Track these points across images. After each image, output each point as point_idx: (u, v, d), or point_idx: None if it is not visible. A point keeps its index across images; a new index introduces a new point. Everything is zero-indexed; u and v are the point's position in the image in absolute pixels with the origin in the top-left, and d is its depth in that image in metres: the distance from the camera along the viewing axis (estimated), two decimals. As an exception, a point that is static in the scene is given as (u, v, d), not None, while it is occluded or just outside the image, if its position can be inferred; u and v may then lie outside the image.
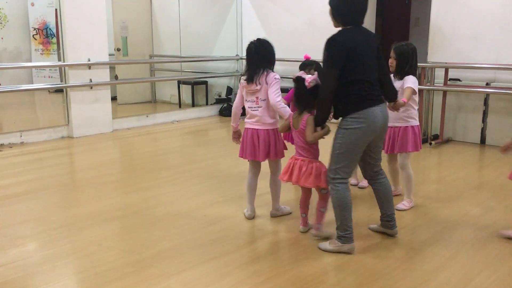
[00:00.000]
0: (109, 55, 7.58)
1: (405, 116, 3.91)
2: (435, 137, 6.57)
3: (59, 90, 7.80)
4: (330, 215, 3.26)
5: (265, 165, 3.77)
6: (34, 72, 9.85)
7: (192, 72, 9.74)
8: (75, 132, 6.83)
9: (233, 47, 8.98)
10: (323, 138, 3.26)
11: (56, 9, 7.09)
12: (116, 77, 8.77)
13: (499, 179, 4.67)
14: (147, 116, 7.95)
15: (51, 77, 9.59)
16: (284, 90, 3.54)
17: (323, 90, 3.09)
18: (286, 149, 3.70)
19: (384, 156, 4.46)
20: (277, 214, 3.79)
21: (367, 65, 3.09)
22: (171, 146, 6.68)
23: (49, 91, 9.17)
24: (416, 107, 3.97)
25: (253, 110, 3.58)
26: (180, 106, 9.37)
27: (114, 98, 8.41)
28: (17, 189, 4.61)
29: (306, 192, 3.47)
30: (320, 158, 3.35)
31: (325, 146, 3.35)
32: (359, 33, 3.11)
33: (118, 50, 9.30)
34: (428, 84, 6.56)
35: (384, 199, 3.38)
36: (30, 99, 9.59)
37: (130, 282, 2.84)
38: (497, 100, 6.30)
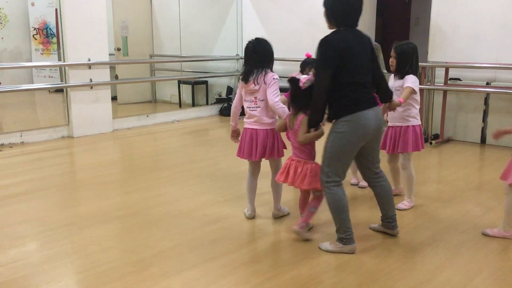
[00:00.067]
0: (109, 55, 7.58)
1: (406, 116, 3.89)
2: (436, 136, 6.57)
3: (59, 90, 7.79)
4: (328, 215, 3.24)
5: (265, 165, 3.77)
6: (34, 72, 9.84)
7: (192, 72, 9.74)
8: (75, 132, 6.84)
9: (233, 46, 8.98)
10: (316, 140, 3.25)
11: (56, 9, 7.09)
12: (116, 77, 8.77)
13: (499, 178, 4.66)
14: (147, 116, 7.95)
15: (51, 77, 9.58)
16: (283, 90, 3.53)
17: (317, 91, 3.06)
18: (286, 148, 3.70)
19: (385, 155, 4.47)
20: (278, 215, 3.78)
21: (360, 67, 3.07)
22: (171, 146, 6.68)
23: (49, 91, 9.16)
24: (418, 106, 3.94)
25: (252, 110, 3.58)
26: (180, 106, 9.38)
27: (114, 98, 8.41)
28: (17, 189, 4.61)
29: (305, 193, 3.46)
30: (317, 159, 3.34)
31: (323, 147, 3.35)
32: (352, 34, 3.10)
33: (118, 50, 9.30)
34: (429, 83, 6.56)
35: (385, 201, 3.38)
36: (30, 99, 9.58)
37: (130, 282, 2.84)
38: (498, 100, 6.29)
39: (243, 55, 3.67)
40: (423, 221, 3.78)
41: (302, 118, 3.21)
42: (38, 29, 9.76)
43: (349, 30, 3.10)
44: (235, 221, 3.77)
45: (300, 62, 3.96)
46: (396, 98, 3.65)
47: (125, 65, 9.30)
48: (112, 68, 8.20)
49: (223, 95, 9.12)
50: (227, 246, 3.32)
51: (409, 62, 3.81)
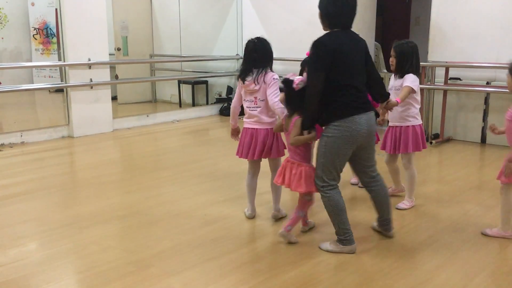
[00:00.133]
0: (110, 54, 7.58)
1: (405, 116, 3.87)
2: (436, 136, 6.57)
3: (59, 90, 7.80)
4: (326, 216, 3.23)
5: (265, 164, 3.77)
6: (34, 72, 9.84)
7: (193, 71, 9.74)
8: (76, 132, 6.84)
9: (233, 46, 8.98)
10: (309, 142, 3.23)
11: (56, 9, 7.10)
12: (116, 77, 8.77)
13: (496, 179, 4.66)
14: (147, 116, 7.95)
15: (52, 77, 9.58)
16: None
17: (309, 93, 3.04)
18: (286, 147, 3.70)
19: (379, 155, 4.46)
20: (278, 216, 3.77)
21: (353, 69, 3.05)
22: (172, 145, 6.68)
23: (49, 91, 9.16)
24: (418, 106, 3.91)
25: (252, 110, 3.58)
26: (180, 106, 9.38)
27: (114, 98, 8.41)
28: (18, 189, 4.61)
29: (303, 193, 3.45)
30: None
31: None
32: (346, 36, 3.08)
33: (119, 49, 9.30)
34: (429, 83, 6.56)
35: (381, 205, 3.34)
36: (30, 99, 9.59)
37: (130, 282, 2.85)
38: (498, 99, 6.29)
39: (243, 53, 3.66)
40: (423, 221, 3.78)
41: (295, 119, 3.17)
42: (38, 29, 9.76)
43: (343, 32, 3.08)
44: (235, 221, 3.77)
45: (300, 62, 3.96)
46: (394, 97, 3.64)
47: (125, 65, 9.30)
48: (112, 68, 8.20)
49: (223, 95, 9.12)
50: (227, 246, 3.32)
51: (409, 61, 3.78)
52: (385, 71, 7.71)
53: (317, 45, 3.02)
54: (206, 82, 9.30)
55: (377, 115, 4.34)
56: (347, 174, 4.06)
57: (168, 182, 4.82)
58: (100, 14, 6.95)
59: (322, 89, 2.99)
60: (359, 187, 4.50)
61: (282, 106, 3.45)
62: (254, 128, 3.58)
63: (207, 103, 9.22)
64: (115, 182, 4.91)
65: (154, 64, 10.06)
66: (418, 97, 3.91)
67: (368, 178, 3.28)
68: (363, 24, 7.31)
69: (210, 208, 4.05)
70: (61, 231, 3.60)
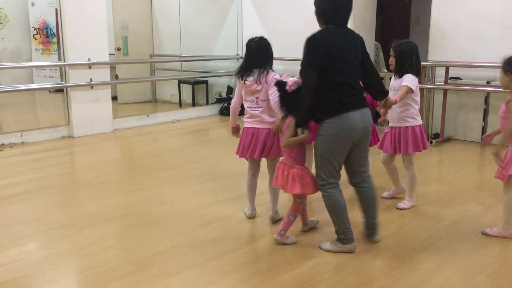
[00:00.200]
0: (110, 54, 7.58)
1: (404, 116, 3.84)
2: (436, 135, 6.57)
3: (59, 90, 7.80)
4: (326, 215, 3.23)
5: (265, 165, 3.76)
6: (34, 72, 9.85)
7: (193, 71, 9.74)
8: (76, 132, 6.84)
9: (233, 46, 8.97)
10: (303, 145, 3.21)
11: (56, 9, 7.09)
12: (116, 77, 8.77)
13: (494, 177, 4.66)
14: (147, 116, 7.95)
15: (52, 76, 9.59)
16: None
17: (303, 90, 3.03)
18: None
19: (373, 154, 4.45)
20: (276, 218, 3.74)
21: (347, 66, 3.03)
22: (172, 145, 6.68)
23: (49, 91, 9.16)
24: (417, 106, 3.88)
25: (253, 110, 3.57)
26: (180, 106, 9.38)
27: (114, 98, 8.41)
28: (18, 189, 4.61)
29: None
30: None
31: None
32: (341, 33, 3.06)
33: (119, 49, 9.31)
34: (429, 83, 6.56)
35: (368, 208, 3.27)
36: (30, 99, 9.59)
37: (130, 282, 2.85)
38: (498, 99, 6.29)
39: (244, 53, 3.64)
40: (423, 221, 3.78)
41: (289, 121, 3.15)
42: (38, 29, 9.76)
43: (338, 29, 3.06)
44: (235, 221, 3.77)
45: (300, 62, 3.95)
46: (393, 96, 3.61)
47: (125, 65, 9.30)
48: (112, 68, 8.20)
49: (223, 95, 9.12)
50: (227, 246, 3.32)
51: (408, 61, 3.75)
52: (385, 71, 7.70)
53: (310, 41, 3.00)
54: (206, 82, 9.30)
55: (378, 115, 4.34)
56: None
57: (168, 182, 4.82)
58: (100, 14, 6.95)
59: (315, 85, 2.97)
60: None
61: None
62: (255, 128, 3.57)
63: (207, 103, 9.22)
64: (115, 182, 4.91)
65: (154, 64, 10.06)
66: (417, 98, 3.87)
67: (358, 178, 3.22)
68: (363, 24, 7.30)
69: (210, 208, 4.05)
70: (61, 231, 3.60)
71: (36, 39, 9.84)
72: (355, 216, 3.53)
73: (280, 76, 3.36)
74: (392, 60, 3.85)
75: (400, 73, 3.80)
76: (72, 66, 6.73)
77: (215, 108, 8.97)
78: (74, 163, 5.96)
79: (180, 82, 9.41)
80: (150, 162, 5.72)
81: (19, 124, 6.95)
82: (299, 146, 3.20)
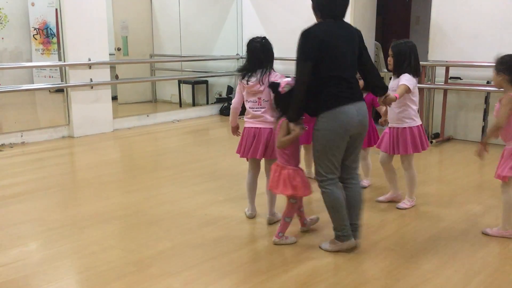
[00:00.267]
0: (110, 54, 7.58)
1: (402, 117, 3.81)
2: (436, 135, 6.57)
3: (59, 90, 7.81)
4: (326, 215, 3.23)
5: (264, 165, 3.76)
6: (34, 72, 9.85)
7: (193, 71, 9.73)
8: (76, 132, 6.84)
9: (233, 46, 8.97)
10: (297, 147, 3.21)
11: (56, 9, 7.09)
12: (116, 77, 8.77)
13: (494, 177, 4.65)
14: (147, 116, 7.95)
15: (52, 77, 9.58)
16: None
17: (296, 84, 3.01)
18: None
19: (369, 153, 4.44)
20: (273, 220, 3.72)
21: (342, 60, 2.99)
22: (172, 145, 6.68)
23: (49, 91, 9.17)
24: (415, 107, 3.83)
25: (256, 111, 3.56)
26: (180, 106, 9.38)
27: (114, 98, 8.41)
28: (18, 189, 4.61)
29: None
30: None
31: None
32: (337, 26, 3.03)
33: (119, 49, 9.30)
34: (429, 82, 6.56)
35: (352, 207, 3.17)
36: (30, 99, 9.59)
37: (130, 282, 2.85)
38: (498, 99, 6.28)
39: (247, 53, 3.61)
40: (423, 221, 3.78)
41: (281, 122, 3.14)
42: (38, 29, 9.76)
43: (334, 22, 3.03)
44: (235, 221, 3.77)
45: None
46: (392, 93, 3.58)
47: (125, 65, 9.30)
48: (113, 68, 8.19)
49: (223, 95, 9.12)
50: (227, 245, 3.32)
51: (407, 61, 3.72)
52: (385, 70, 7.70)
53: (305, 34, 2.99)
54: (206, 82, 9.30)
55: (378, 115, 4.34)
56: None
57: (168, 182, 4.82)
58: (100, 14, 6.95)
59: (309, 79, 2.95)
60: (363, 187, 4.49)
61: None
62: (257, 128, 3.55)
63: (207, 103, 9.22)
64: (115, 182, 4.91)
65: (154, 64, 10.06)
66: (415, 98, 3.83)
67: (347, 174, 3.18)
68: (363, 23, 7.30)
69: (210, 208, 4.05)
70: (61, 231, 3.60)
71: (36, 39, 9.84)
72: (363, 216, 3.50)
73: (287, 77, 3.34)
74: (390, 60, 3.82)
75: (398, 73, 3.77)
76: (72, 66, 6.73)
77: (215, 108, 8.97)
78: (74, 163, 5.96)
79: (180, 82, 9.41)
80: (150, 162, 5.72)
81: (19, 124, 6.95)
82: (292, 147, 3.19)
